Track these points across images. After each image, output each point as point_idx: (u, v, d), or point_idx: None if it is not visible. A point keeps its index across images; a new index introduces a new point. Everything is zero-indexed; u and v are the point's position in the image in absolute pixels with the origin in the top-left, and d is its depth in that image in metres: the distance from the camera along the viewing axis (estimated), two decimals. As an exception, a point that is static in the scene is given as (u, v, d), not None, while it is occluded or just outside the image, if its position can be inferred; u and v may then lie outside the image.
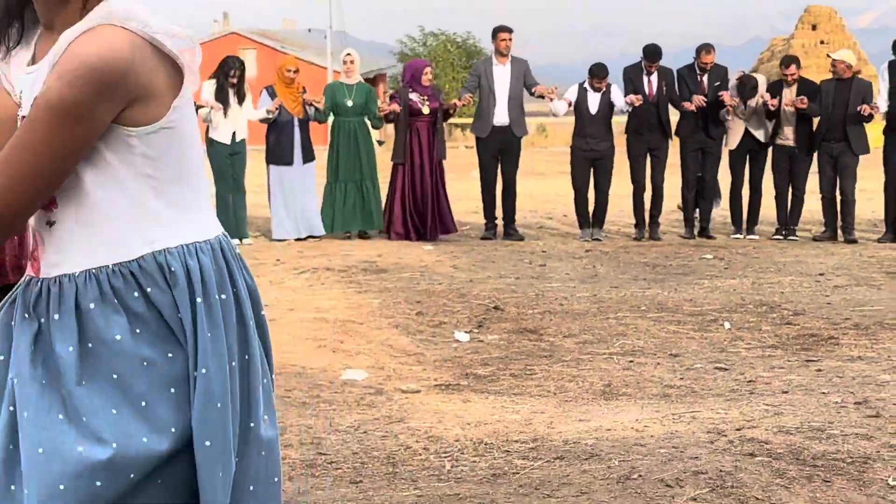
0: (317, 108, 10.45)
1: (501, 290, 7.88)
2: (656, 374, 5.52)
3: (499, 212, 10.87)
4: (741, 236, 10.73)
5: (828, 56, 10.63)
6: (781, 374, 5.43)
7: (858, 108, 10.08)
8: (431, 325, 6.70)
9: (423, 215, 10.40)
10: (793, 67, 10.46)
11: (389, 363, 5.76)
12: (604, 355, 5.95)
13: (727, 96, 10.30)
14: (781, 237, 10.63)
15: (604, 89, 10.49)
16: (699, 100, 10.33)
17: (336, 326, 6.59)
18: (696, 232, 10.82)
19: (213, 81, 10.05)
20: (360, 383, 5.28)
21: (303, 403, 4.88)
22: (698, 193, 10.79)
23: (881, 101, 10.26)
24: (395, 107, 10.32)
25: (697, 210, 10.91)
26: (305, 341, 6.18)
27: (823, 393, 4.95)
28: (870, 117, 10.16)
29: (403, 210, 10.48)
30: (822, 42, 38.33)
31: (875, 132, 10.82)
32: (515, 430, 4.45)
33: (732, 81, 10.57)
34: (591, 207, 10.85)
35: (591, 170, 10.65)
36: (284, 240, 10.38)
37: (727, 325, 6.69)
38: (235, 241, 10.01)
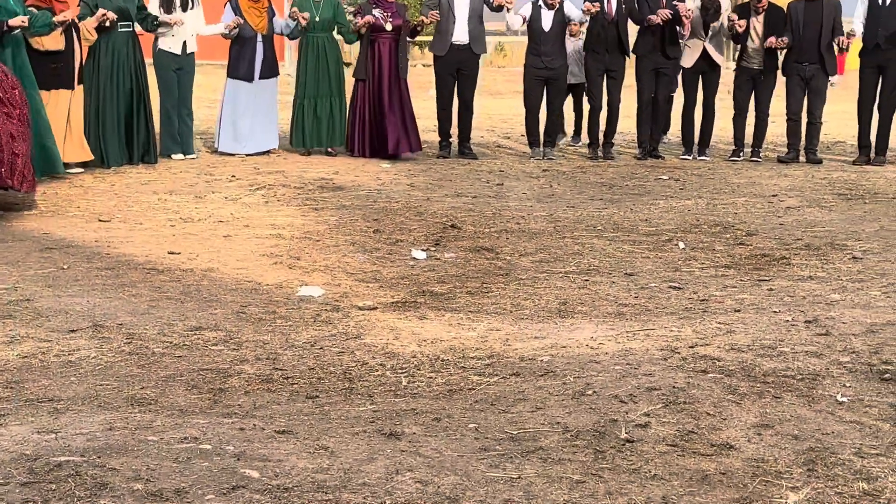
0: (298, 24, 10.24)
1: (458, 208, 7.87)
2: (611, 292, 5.56)
3: (454, 130, 10.81)
4: (690, 157, 10.74)
5: None
6: (734, 293, 5.50)
7: (836, 41, 10.09)
8: (388, 243, 6.69)
9: (384, 133, 10.31)
10: (765, 0, 10.38)
11: (346, 280, 5.75)
12: (560, 274, 5.98)
13: (682, 6, 10.20)
14: (739, 158, 10.65)
15: (557, 6, 10.36)
16: (665, 12, 10.21)
17: (292, 243, 6.56)
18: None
19: None
20: (317, 300, 5.28)
21: (259, 319, 4.87)
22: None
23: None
24: (370, 19, 10.13)
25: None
26: (261, 258, 6.15)
27: (775, 312, 5.02)
28: (844, 49, 10.19)
29: (364, 127, 10.38)
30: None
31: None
32: (471, 347, 4.48)
33: (696, 2, 10.48)
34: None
35: (545, 89, 10.59)
36: (232, 154, 10.23)
37: (681, 244, 6.74)
38: (178, 157, 9.86)
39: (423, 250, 6.49)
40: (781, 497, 2.97)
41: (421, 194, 8.46)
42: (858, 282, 5.68)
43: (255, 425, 3.46)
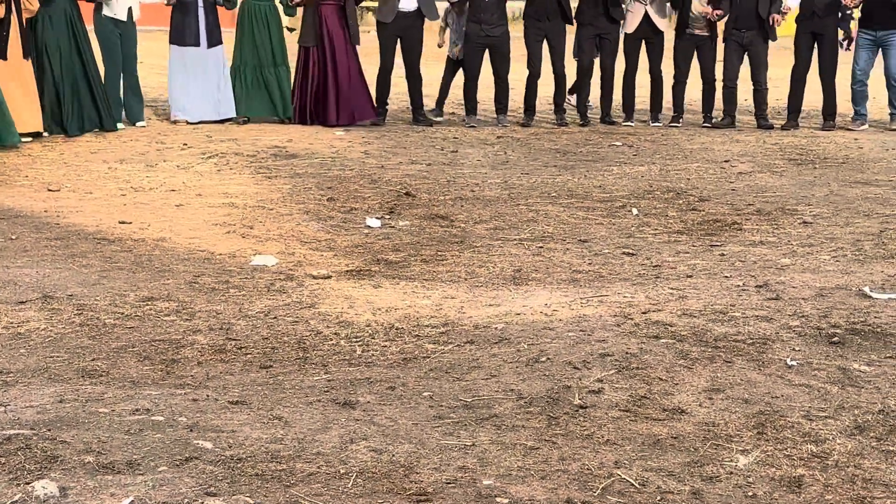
0: None
1: (413, 176, 7.84)
2: (565, 259, 5.59)
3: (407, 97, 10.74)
4: (632, 123, 10.73)
5: None
6: (686, 259, 5.54)
7: (770, 19, 10.14)
8: (342, 211, 6.66)
9: (332, 100, 10.21)
10: None
11: (300, 249, 5.72)
12: (514, 241, 5.99)
13: None
14: (679, 124, 10.68)
15: None
16: None
17: (245, 212, 6.50)
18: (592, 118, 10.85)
19: None
20: (271, 269, 5.24)
21: (212, 289, 4.83)
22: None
23: None
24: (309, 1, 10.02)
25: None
26: (214, 227, 6.09)
27: (726, 277, 5.07)
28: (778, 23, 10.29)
29: (311, 95, 10.26)
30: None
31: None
32: (426, 315, 4.48)
33: None
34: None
35: (488, 56, 10.51)
36: (187, 122, 10.10)
37: (635, 211, 6.78)
38: (120, 126, 9.64)
39: (377, 218, 6.47)
40: (732, 460, 3.01)
41: (375, 162, 8.42)
42: (808, 246, 5.75)
43: (208, 396, 3.44)
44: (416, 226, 6.35)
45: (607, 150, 9.31)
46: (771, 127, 10.51)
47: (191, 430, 3.10)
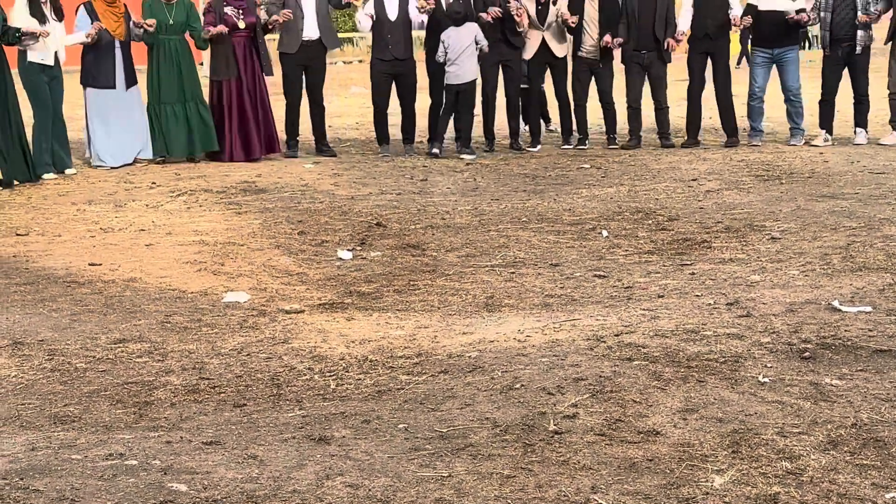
0: (146, 31, 9.91)
1: (383, 206, 7.85)
2: (537, 283, 5.60)
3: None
4: (536, 149, 10.75)
5: None
6: (657, 279, 5.57)
7: (666, 46, 10.31)
8: (314, 244, 6.65)
9: (248, 133, 10.15)
10: None
11: (272, 284, 5.71)
12: (486, 268, 6.01)
13: (513, 4, 10.22)
14: (585, 146, 10.72)
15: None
16: (495, 11, 10.23)
17: (216, 249, 6.48)
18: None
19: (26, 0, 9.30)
20: (243, 305, 5.23)
21: (184, 328, 4.81)
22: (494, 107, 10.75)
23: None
24: (223, 28, 9.95)
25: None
26: (185, 265, 6.07)
27: (697, 295, 5.10)
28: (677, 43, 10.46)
29: (228, 129, 10.16)
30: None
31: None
32: (400, 346, 4.48)
33: None
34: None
35: (394, 85, 10.42)
36: (110, 167, 9.80)
37: (605, 233, 6.81)
38: (51, 175, 9.30)
39: (348, 250, 6.47)
40: (707, 480, 3.02)
41: (345, 193, 8.43)
42: (777, 262, 5.80)
43: (181, 437, 3.42)
44: (388, 256, 6.35)
45: (576, 172, 9.36)
46: (672, 146, 10.62)
47: (165, 473, 3.08)
